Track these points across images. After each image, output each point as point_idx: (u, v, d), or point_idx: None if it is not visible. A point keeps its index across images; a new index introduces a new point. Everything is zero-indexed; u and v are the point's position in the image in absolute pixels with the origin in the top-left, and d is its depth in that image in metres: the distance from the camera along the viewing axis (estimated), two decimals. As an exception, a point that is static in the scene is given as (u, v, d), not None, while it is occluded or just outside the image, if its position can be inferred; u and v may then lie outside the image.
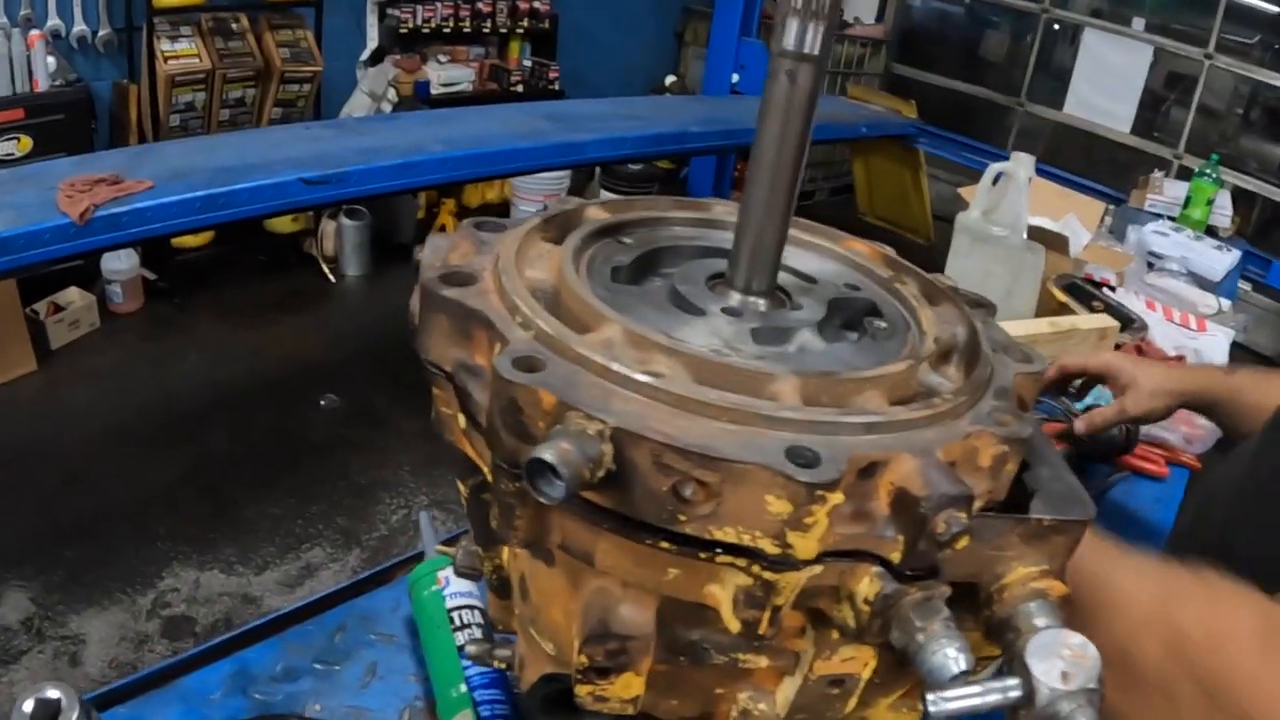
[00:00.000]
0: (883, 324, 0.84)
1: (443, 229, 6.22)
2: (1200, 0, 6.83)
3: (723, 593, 0.66)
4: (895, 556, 0.64)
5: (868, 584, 0.65)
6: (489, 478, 0.72)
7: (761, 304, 0.82)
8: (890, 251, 0.97)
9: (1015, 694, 0.65)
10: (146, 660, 3.29)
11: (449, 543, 1.58)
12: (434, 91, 6.68)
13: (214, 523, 3.94)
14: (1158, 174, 5.31)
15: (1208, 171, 4.80)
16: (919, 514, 0.60)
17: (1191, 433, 2.42)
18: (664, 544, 0.64)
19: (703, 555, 0.63)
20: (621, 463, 0.60)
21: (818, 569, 0.64)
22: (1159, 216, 4.63)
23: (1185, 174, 5.68)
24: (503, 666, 1.07)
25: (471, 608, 1.36)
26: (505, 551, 0.87)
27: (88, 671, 3.25)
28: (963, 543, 0.61)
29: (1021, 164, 2.76)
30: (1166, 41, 6.94)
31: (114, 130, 5.49)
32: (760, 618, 0.65)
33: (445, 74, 6.81)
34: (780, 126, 0.76)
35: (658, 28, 8.64)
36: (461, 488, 0.86)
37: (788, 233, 0.81)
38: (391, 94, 6.21)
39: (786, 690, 0.77)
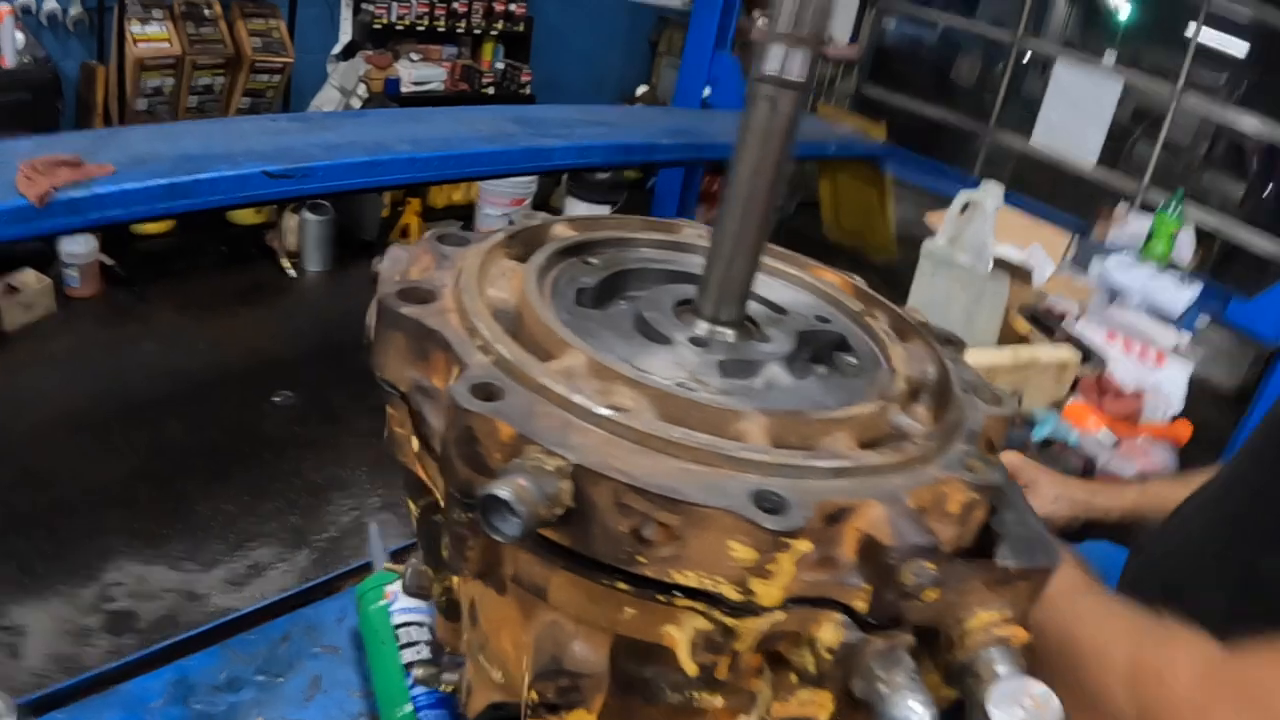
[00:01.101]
0: (853, 360, 0.81)
1: (406, 229, 6.18)
2: (1171, 38, 6.89)
3: (680, 634, 0.63)
4: (861, 605, 0.62)
5: (831, 632, 0.63)
6: (441, 502, 0.70)
7: (729, 335, 0.80)
8: (860, 282, 0.95)
9: (975, 743, 0.63)
10: (87, 654, 3.23)
11: (399, 555, 1.55)
12: (404, 90, 6.65)
13: (164, 516, 3.87)
14: (1123, 206, 5.35)
15: (1172, 207, 4.84)
16: (886, 563, 0.58)
17: (1149, 466, 2.42)
18: (621, 584, 0.61)
19: (661, 598, 0.61)
20: (580, 501, 0.58)
21: (781, 615, 0.62)
22: (1122, 249, 4.67)
23: (1149, 207, 5.72)
24: (450, 690, 1.05)
25: (419, 624, 1.33)
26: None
27: (28, 664, 3.19)
28: (931, 595, 0.59)
29: (990, 193, 2.77)
30: (1137, 76, 7.00)
31: (80, 112, 5.41)
32: (719, 661, 0.63)
33: (417, 72, 6.77)
34: (758, 154, 0.74)
35: (632, 34, 8.61)
36: (412, 507, 0.83)
37: (759, 263, 0.79)
38: (362, 90, 6.15)
39: (742, 730, 0.75)
